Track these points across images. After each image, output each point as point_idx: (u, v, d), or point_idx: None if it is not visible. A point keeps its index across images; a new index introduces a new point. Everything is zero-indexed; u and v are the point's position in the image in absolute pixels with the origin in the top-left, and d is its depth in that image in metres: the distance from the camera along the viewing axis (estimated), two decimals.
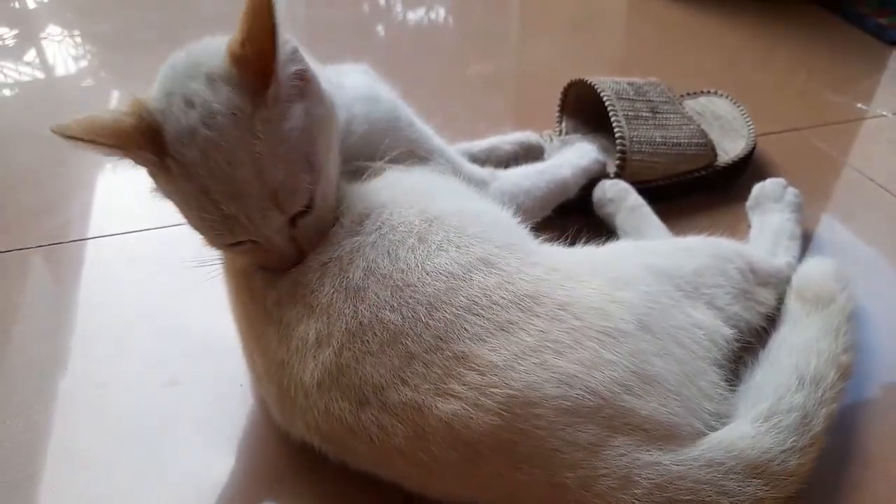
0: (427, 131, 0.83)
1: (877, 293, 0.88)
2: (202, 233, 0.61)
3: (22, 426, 0.74)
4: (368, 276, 0.60)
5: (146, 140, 0.56)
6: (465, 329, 0.57)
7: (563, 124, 1.15)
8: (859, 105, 1.31)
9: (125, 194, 1.11)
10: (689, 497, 0.54)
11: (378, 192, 0.68)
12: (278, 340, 0.62)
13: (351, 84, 0.75)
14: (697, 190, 1.05)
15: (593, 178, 1.00)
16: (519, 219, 0.75)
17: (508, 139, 1.08)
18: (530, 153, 1.07)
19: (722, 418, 0.61)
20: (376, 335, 0.57)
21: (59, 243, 1.00)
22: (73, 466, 0.71)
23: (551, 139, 1.13)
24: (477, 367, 0.55)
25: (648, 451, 0.55)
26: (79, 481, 0.69)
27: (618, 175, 1.00)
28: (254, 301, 0.65)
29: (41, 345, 0.85)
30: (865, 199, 1.08)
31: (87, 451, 0.72)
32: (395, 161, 0.75)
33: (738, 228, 0.99)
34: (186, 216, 0.61)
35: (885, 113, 1.29)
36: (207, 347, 0.81)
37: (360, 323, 0.58)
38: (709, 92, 1.21)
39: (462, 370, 0.55)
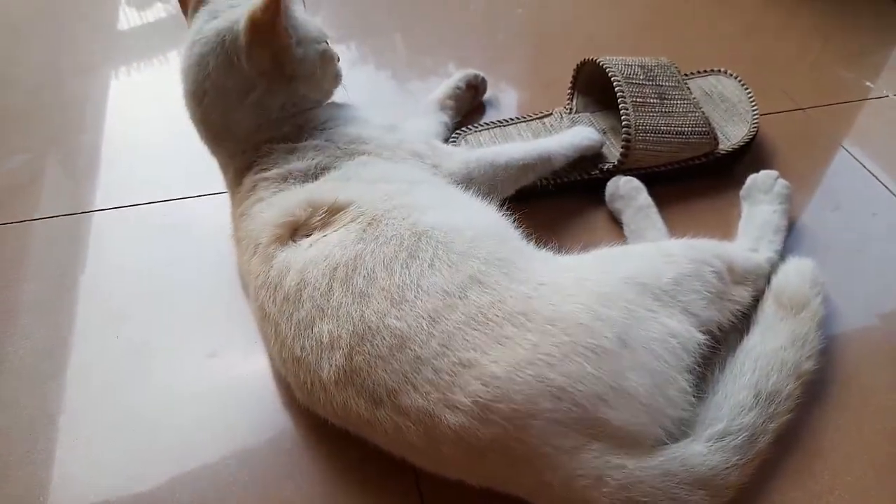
0: (406, 136, 0.94)
1: (848, 292, 0.95)
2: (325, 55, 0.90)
3: (76, 388, 0.86)
4: (371, 283, 0.69)
5: None
6: (466, 340, 0.65)
7: (575, 101, 1.19)
8: (867, 83, 1.34)
9: (158, 162, 1.20)
10: (645, 499, 0.64)
11: (383, 200, 0.77)
12: (292, 337, 0.71)
13: None
14: (697, 175, 1.11)
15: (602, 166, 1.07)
16: (498, 197, 0.90)
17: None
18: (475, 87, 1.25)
19: (683, 425, 0.69)
20: (384, 339, 0.66)
21: (98, 210, 1.09)
22: (128, 429, 0.82)
23: (562, 117, 1.18)
24: (481, 377, 0.64)
25: (617, 455, 0.64)
26: (135, 443, 0.81)
27: (621, 161, 1.06)
28: (270, 298, 0.74)
29: (88, 311, 0.95)
30: (855, 188, 1.13)
31: (142, 416, 0.83)
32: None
33: (732, 214, 1.05)
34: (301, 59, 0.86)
35: (887, 93, 1.32)
36: (241, 318, 0.91)
37: (368, 327, 0.67)
38: (719, 71, 1.24)
39: (468, 378, 0.64)
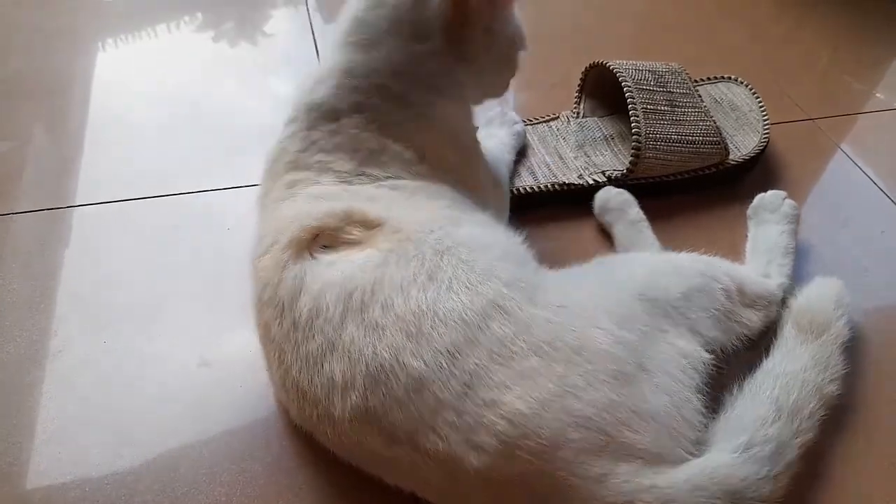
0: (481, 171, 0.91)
1: (854, 311, 0.93)
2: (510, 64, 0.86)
3: (60, 397, 0.82)
4: (386, 312, 0.63)
5: None
6: (490, 378, 0.61)
7: (582, 105, 1.16)
8: (878, 94, 1.32)
9: (149, 153, 1.15)
10: None
11: (408, 220, 0.71)
12: (298, 369, 0.66)
13: None
14: (706, 185, 1.08)
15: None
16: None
17: None
18: None
19: (700, 445, 0.67)
20: (400, 381, 0.61)
21: (84, 205, 1.05)
22: (114, 443, 0.78)
23: (569, 120, 1.15)
24: (507, 416, 0.59)
25: (646, 475, 0.62)
26: (121, 458, 0.77)
27: (630, 170, 1.03)
28: (276, 319, 0.68)
29: (74, 314, 0.90)
30: (864, 204, 1.12)
31: (129, 429, 0.80)
32: None
33: (740, 226, 1.03)
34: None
35: None
36: (237, 327, 0.87)
37: (381, 366, 0.61)
38: (729, 78, 1.21)
39: (493, 418, 0.59)
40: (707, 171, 1.07)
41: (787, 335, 0.81)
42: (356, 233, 0.70)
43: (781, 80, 1.33)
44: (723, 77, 1.22)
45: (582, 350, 0.64)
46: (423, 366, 0.61)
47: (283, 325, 0.67)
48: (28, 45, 1.37)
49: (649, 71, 1.10)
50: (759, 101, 1.16)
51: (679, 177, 1.06)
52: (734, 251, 1.00)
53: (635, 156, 1.02)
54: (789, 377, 0.75)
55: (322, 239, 0.70)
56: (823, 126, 1.24)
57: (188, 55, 1.39)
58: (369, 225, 0.70)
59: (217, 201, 1.06)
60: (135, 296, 0.93)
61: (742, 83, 1.20)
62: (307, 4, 1.50)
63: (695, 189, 1.08)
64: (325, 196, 0.74)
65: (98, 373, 0.84)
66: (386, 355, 0.62)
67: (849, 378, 0.85)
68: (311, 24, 1.44)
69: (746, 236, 1.00)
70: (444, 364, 0.61)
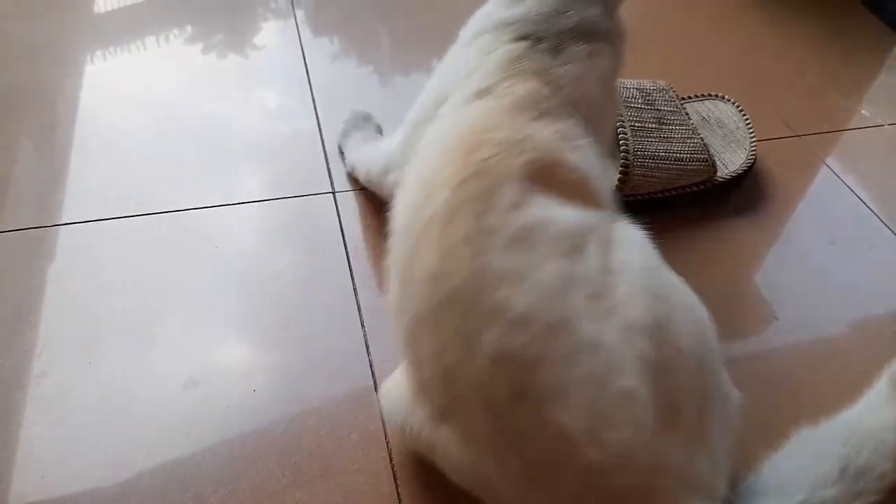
0: None
1: (849, 328, 0.94)
2: None
3: (44, 423, 0.80)
4: (585, 263, 0.60)
5: None
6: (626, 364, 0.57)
7: None
8: (863, 111, 1.33)
9: (136, 169, 1.14)
10: None
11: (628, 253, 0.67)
12: (465, 276, 0.58)
13: None
14: (693, 202, 1.09)
15: None
16: None
17: None
18: None
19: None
20: (572, 339, 0.56)
21: (68, 224, 1.03)
22: (99, 464, 0.78)
23: None
24: (636, 421, 0.55)
25: None
26: (107, 479, 0.76)
27: (618, 186, 1.03)
28: (473, 213, 0.61)
29: (57, 335, 0.89)
30: (851, 220, 1.13)
31: (117, 450, 0.78)
32: None
33: (725, 242, 1.05)
34: None
35: (882, 123, 1.31)
36: (223, 345, 0.87)
37: (565, 318, 0.57)
38: (716, 96, 1.22)
39: (625, 416, 0.55)
40: (695, 188, 1.08)
41: (879, 389, 0.75)
42: (576, 200, 0.66)
43: (768, 97, 1.34)
44: (710, 94, 1.23)
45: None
46: (595, 331, 0.57)
47: (478, 225, 0.60)
48: (15, 58, 1.36)
49: (637, 89, 1.11)
50: (746, 119, 1.17)
51: (667, 194, 1.06)
52: (722, 269, 1.01)
53: (623, 172, 1.02)
54: (865, 433, 0.70)
55: (541, 174, 0.65)
56: (809, 142, 1.25)
57: (177, 67, 1.38)
58: (591, 202, 0.68)
59: (205, 216, 1.05)
60: (121, 315, 0.91)
61: (729, 100, 1.21)
62: (296, 17, 1.49)
63: (682, 206, 1.08)
64: (576, 150, 0.70)
65: (83, 393, 0.83)
66: (574, 309, 0.57)
67: None
68: (299, 36, 1.44)
69: (740, 249, 1.00)
70: (607, 337, 0.57)
